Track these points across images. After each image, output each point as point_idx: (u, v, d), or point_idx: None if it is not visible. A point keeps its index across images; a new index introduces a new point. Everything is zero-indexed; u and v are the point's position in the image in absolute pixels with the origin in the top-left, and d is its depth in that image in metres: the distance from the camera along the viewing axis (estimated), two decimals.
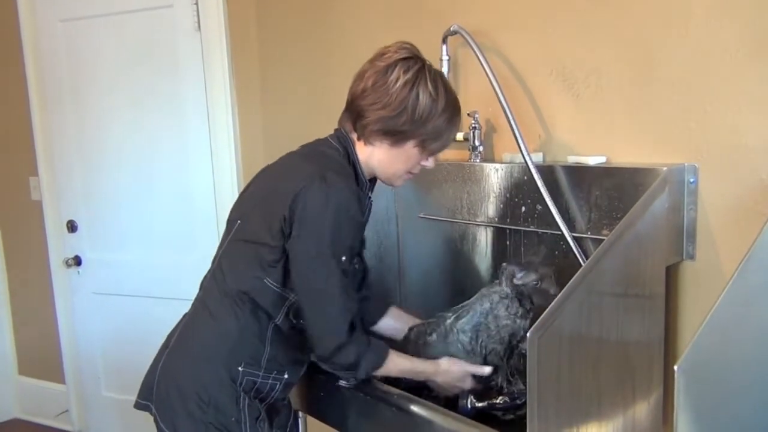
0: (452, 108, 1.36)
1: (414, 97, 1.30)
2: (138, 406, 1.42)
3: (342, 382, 1.44)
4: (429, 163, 1.42)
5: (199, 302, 1.41)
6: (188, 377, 1.33)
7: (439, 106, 1.32)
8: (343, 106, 1.43)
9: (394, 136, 1.34)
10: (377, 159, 1.38)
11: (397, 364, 1.38)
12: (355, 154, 1.39)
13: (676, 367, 0.94)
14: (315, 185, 1.27)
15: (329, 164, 1.34)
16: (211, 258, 1.46)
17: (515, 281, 1.42)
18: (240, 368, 1.32)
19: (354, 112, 1.37)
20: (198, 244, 2.67)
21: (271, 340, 1.34)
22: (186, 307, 1.47)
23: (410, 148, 1.36)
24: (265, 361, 1.34)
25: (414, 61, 1.33)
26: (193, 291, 1.47)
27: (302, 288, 1.30)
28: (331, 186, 1.27)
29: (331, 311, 1.29)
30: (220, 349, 1.33)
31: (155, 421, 1.37)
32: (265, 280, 1.32)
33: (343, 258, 1.29)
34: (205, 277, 1.45)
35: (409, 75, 1.31)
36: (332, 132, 1.44)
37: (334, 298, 1.29)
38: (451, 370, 1.42)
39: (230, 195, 2.63)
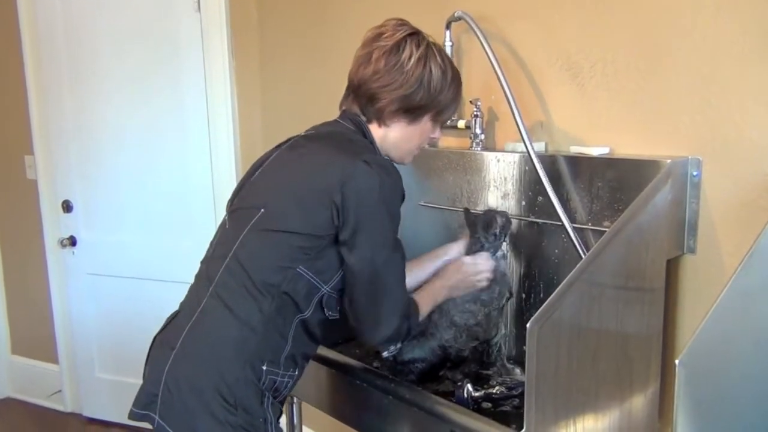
0: (458, 77, 1.41)
1: (428, 72, 1.33)
2: (135, 416, 1.30)
3: (386, 354, 1.45)
4: (437, 134, 1.46)
5: (213, 298, 1.28)
6: (208, 378, 1.24)
7: (449, 76, 1.37)
8: (344, 87, 1.41)
9: (413, 112, 1.36)
10: (393, 139, 1.39)
11: (424, 303, 1.40)
12: (371, 136, 1.38)
13: (677, 361, 0.94)
14: (362, 172, 1.23)
15: (360, 148, 1.31)
16: (208, 242, 1.40)
17: (501, 229, 1.53)
18: (264, 367, 1.26)
19: (364, 95, 1.35)
20: (194, 227, 2.66)
21: (293, 336, 1.29)
22: (181, 290, 1.41)
23: (426, 122, 1.39)
24: (284, 358, 1.29)
25: (421, 36, 1.36)
26: (189, 274, 1.41)
27: (366, 278, 1.27)
28: (380, 169, 1.25)
29: (395, 297, 1.28)
30: (245, 347, 1.25)
31: (160, 430, 1.26)
32: (297, 269, 1.25)
33: (398, 236, 1.30)
34: (212, 269, 1.32)
35: (420, 50, 1.33)
36: (339, 115, 1.41)
37: (400, 285, 1.29)
38: (459, 269, 1.49)
39: (228, 177, 2.61)
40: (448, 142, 1.89)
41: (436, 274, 1.51)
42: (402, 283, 1.30)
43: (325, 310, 1.31)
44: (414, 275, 1.49)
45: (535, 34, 1.64)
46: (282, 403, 1.34)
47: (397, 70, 1.31)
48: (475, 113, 1.70)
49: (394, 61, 1.31)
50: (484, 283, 1.51)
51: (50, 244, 3.03)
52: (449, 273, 1.50)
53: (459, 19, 1.67)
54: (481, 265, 1.51)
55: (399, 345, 1.39)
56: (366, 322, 1.30)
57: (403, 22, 1.37)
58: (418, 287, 1.47)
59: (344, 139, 1.35)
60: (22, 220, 3.16)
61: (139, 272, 2.84)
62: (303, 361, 1.36)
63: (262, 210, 1.29)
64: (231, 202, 1.41)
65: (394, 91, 1.32)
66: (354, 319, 1.31)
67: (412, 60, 1.31)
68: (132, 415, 1.31)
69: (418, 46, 1.32)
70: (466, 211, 1.59)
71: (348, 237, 1.25)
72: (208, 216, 2.64)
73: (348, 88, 1.40)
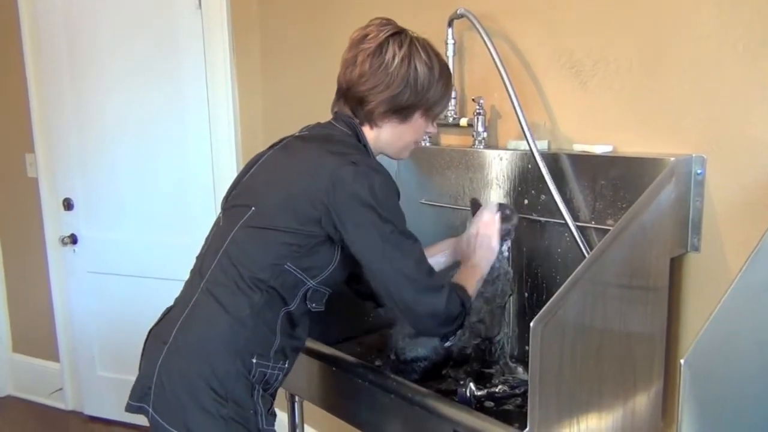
0: (446, 72, 1.40)
1: (413, 70, 1.32)
2: (131, 409, 1.33)
3: (447, 344, 1.47)
4: (432, 128, 1.45)
5: (204, 293, 1.31)
6: (199, 371, 1.26)
7: (436, 72, 1.36)
8: None
9: (402, 112, 1.36)
10: (386, 138, 1.39)
11: (469, 283, 1.39)
12: (364, 138, 1.38)
13: (682, 361, 0.93)
14: (351, 173, 1.24)
15: (351, 151, 1.32)
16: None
17: (514, 227, 1.50)
18: (254, 360, 1.27)
19: (353, 98, 1.36)
20: (195, 225, 2.64)
21: (280, 329, 1.31)
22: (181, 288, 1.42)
23: (417, 119, 1.38)
24: (274, 351, 1.31)
25: (404, 34, 1.35)
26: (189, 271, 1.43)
27: (383, 273, 1.27)
28: (368, 170, 1.25)
29: (418, 281, 1.27)
30: (235, 341, 1.27)
31: (154, 422, 1.29)
32: (285, 266, 1.28)
33: (406, 227, 1.30)
34: (204, 265, 1.35)
35: (404, 49, 1.32)
36: (332, 117, 1.42)
37: (418, 267, 1.28)
38: (478, 245, 1.46)
39: (228, 174, 2.60)
40: (450, 140, 1.88)
41: (459, 263, 1.50)
42: (421, 265, 1.29)
43: (308, 302, 1.34)
44: None
45: (537, 32, 1.63)
46: (273, 395, 1.36)
47: (382, 72, 1.31)
48: (477, 111, 1.70)
49: (378, 63, 1.31)
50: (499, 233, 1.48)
51: (51, 242, 3.03)
52: (468, 253, 1.47)
53: (461, 16, 1.66)
54: (487, 223, 1.48)
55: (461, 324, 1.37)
56: (408, 316, 1.31)
57: (387, 22, 1.36)
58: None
59: (336, 141, 1.36)
60: (22, 218, 3.16)
61: (140, 270, 2.84)
62: (293, 354, 1.37)
63: (253, 208, 1.32)
64: (225, 200, 1.43)
65: (380, 93, 1.32)
66: (403, 318, 1.33)
67: (396, 60, 1.31)
68: (128, 408, 1.34)
69: (401, 46, 1.32)
70: (474, 201, 1.58)
71: (351, 240, 1.26)
72: (208, 214, 2.64)
73: (338, 91, 1.41)
